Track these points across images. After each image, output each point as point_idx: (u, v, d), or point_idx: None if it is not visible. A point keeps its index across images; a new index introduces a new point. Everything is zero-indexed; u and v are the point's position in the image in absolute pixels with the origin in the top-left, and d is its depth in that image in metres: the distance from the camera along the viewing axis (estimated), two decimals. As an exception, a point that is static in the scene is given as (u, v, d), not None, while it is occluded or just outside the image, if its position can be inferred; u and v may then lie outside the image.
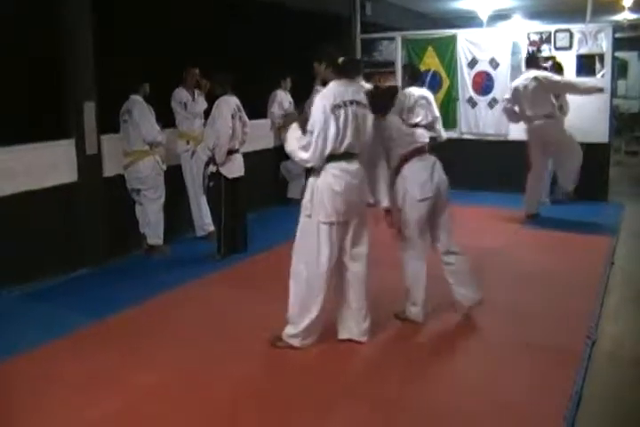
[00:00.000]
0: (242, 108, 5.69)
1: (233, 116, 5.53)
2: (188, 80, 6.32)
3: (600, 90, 6.78)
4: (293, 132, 3.72)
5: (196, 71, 6.32)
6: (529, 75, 6.84)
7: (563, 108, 7.18)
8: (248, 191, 5.88)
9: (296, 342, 3.76)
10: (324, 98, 3.59)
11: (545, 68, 7.18)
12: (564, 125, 6.97)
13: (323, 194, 3.62)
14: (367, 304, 3.86)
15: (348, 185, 3.63)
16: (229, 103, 5.57)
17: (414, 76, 6.84)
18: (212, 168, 5.59)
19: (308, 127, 3.59)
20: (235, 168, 5.66)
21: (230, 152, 5.57)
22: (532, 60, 7.17)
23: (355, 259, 3.82)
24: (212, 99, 5.85)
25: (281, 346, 3.78)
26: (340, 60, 3.66)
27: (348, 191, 3.64)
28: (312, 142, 3.57)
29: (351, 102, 3.60)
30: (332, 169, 3.62)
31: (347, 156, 3.64)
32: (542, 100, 6.71)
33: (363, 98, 3.68)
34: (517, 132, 7.73)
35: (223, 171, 5.56)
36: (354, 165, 3.68)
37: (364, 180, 3.77)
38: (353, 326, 3.86)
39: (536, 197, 7.06)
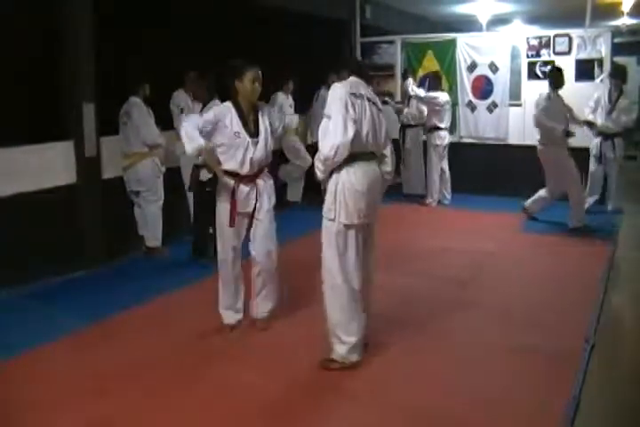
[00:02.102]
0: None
1: None
2: (188, 84, 6.32)
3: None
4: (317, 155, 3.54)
5: (196, 75, 6.32)
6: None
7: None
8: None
9: (354, 358, 3.57)
10: (340, 87, 3.48)
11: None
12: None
13: (345, 195, 3.47)
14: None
15: (370, 186, 3.51)
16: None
17: (436, 83, 7.71)
18: (207, 174, 5.45)
19: (325, 112, 3.45)
20: None
21: None
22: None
23: (367, 263, 3.67)
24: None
25: (335, 367, 3.56)
26: (355, 63, 3.68)
27: (370, 192, 3.52)
28: (332, 127, 3.37)
29: (367, 99, 3.51)
30: (354, 169, 3.47)
31: (367, 156, 3.53)
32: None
33: (377, 100, 3.63)
34: (516, 136, 7.76)
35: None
36: (373, 166, 3.57)
37: (382, 182, 3.67)
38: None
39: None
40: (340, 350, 3.57)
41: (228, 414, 3.16)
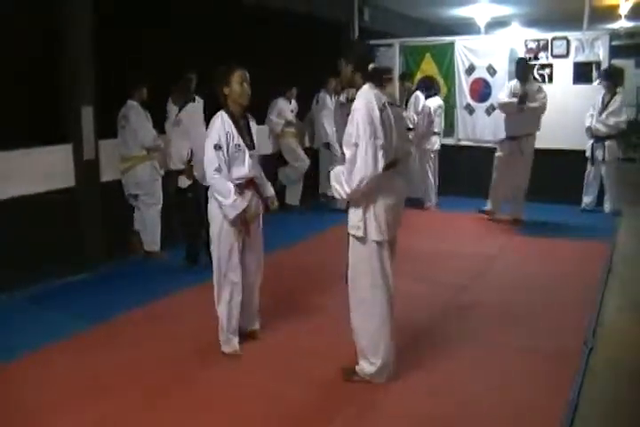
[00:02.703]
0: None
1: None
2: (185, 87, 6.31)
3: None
4: (336, 176, 3.30)
5: (194, 77, 6.32)
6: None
7: None
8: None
9: (380, 380, 3.43)
10: (367, 104, 3.19)
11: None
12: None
13: (375, 210, 3.26)
14: None
15: (398, 196, 3.35)
16: (200, 110, 5.16)
17: (429, 88, 7.72)
18: (186, 181, 5.32)
19: (352, 140, 3.17)
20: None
21: None
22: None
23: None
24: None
25: (357, 380, 3.46)
26: (371, 66, 3.39)
27: (398, 203, 3.35)
28: (361, 158, 3.13)
29: (390, 104, 3.31)
30: (384, 181, 3.24)
31: (392, 164, 3.29)
32: None
33: (395, 99, 3.48)
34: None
35: (203, 182, 5.29)
36: (399, 173, 3.38)
37: (406, 187, 3.51)
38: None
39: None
40: (367, 370, 3.44)
41: (228, 414, 3.16)
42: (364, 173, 3.13)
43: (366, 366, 3.44)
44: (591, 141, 7.59)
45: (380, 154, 3.15)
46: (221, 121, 3.71)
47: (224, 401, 3.30)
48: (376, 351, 3.40)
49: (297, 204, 8.13)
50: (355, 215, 3.30)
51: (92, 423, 3.10)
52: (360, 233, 3.27)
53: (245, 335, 4.02)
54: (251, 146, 3.79)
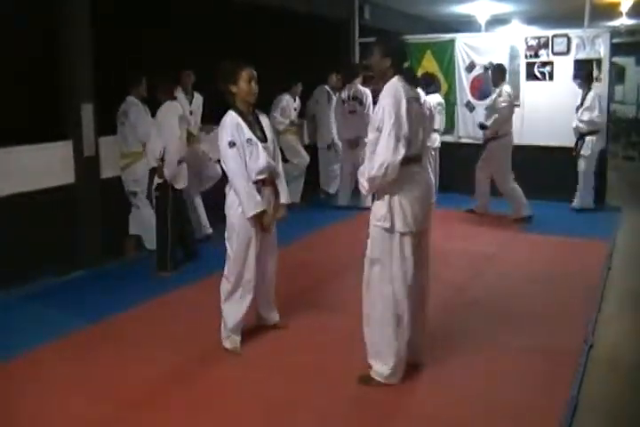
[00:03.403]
0: (189, 113, 5.31)
1: (180, 124, 5.20)
2: (184, 84, 6.31)
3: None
4: (361, 171, 3.33)
5: (191, 74, 6.31)
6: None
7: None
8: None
9: (393, 381, 3.37)
10: (395, 93, 3.19)
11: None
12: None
13: (401, 201, 3.25)
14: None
15: (424, 189, 3.37)
16: (177, 110, 5.26)
17: (429, 84, 7.64)
18: (157, 179, 5.26)
19: (376, 124, 3.21)
20: (183, 178, 5.34)
21: (179, 162, 5.23)
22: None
23: (422, 275, 3.48)
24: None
25: (374, 385, 3.38)
26: (406, 65, 3.43)
27: (425, 195, 3.37)
28: (383, 143, 3.14)
29: (415, 99, 3.32)
30: (408, 172, 3.26)
31: (417, 158, 3.33)
32: None
33: (420, 96, 3.48)
34: (515, 136, 7.72)
35: (173, 182, 5.22)
36: (423, 168, 3.42)
37: (432, 183, 3.57)
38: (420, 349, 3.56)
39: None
40: (381, 371, 3.37)
41: (228, 413, 3.16)
42: (385, 158, 3.14)
43: (379, 367, 3.37)
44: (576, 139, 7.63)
45: (402, 143, 3.15)
46: (230, 119, 3.72)
47: (224, 400, 3.29)
48: (389, 348, 3.33)
49: (297, 200, 8.12)
50: (380, 207, 3.28)
51: (91, 423, 3.09)
52: (387, 224, 3.26)
53: (268, 327, 4.10)
54: (263, 138, 3.79)
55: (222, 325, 3.88)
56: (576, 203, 7.61)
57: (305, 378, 3.51)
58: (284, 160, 7.98)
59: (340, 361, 3.68)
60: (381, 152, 3.15)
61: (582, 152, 7.46)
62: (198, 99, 6.48)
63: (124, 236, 5.90)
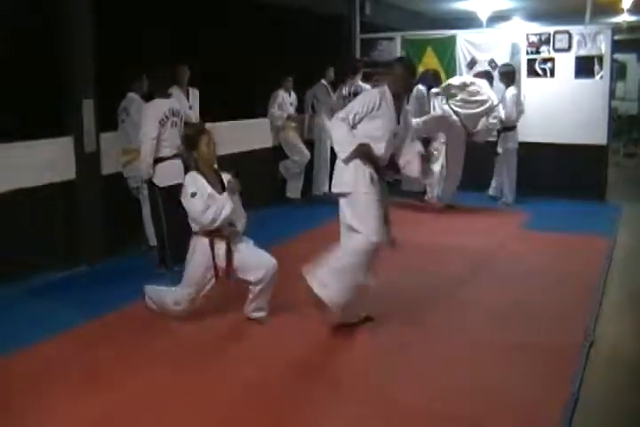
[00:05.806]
0: (180, 111, 5.26)
1: (162, 123, 5.05)
2: (180, 79, 6.29)
3: None
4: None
5: (187, 69, 6.29)
6: None
7: None
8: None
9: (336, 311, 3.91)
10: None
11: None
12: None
13: (357, 170, 3.96)
14: None
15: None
16: (158, 108, 5.10)
17: (437, 81, 7.71)
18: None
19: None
20: (167, 176, 5.12)
21: (159, 160, 5.11)
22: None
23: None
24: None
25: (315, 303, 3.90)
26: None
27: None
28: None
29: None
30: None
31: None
32: None
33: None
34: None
35: (154, 180, 5.13)
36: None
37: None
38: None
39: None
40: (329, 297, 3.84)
41: (228, 411, 3.16)
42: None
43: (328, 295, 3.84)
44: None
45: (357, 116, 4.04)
46: (192, 178, 4.05)
47: (224, 398, 3.28)
48: (340, 290, 3.85)
49: (298, 197, 8.12)
50: (347, 177, 3.96)
51: (91, 419, 3.08)
52: (351, 189, 3.92)
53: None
54: (221, 191, 4.04)
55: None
56: (503, 199, 7.80)
57: (303, 375, 3.52)
58: (285, 156, 8.01)
59: (336, 360, 3.69)
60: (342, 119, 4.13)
61: (498, 148, 7.64)
62: (195, 93, 6.47)
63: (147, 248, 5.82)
